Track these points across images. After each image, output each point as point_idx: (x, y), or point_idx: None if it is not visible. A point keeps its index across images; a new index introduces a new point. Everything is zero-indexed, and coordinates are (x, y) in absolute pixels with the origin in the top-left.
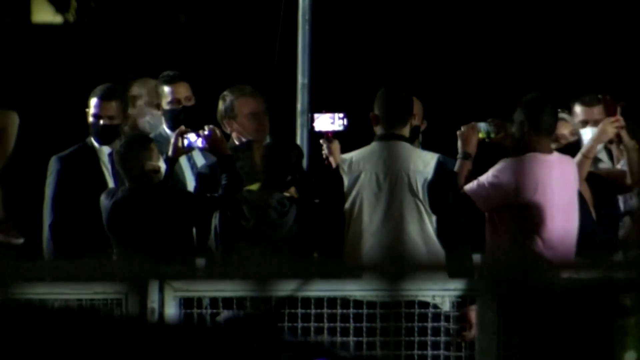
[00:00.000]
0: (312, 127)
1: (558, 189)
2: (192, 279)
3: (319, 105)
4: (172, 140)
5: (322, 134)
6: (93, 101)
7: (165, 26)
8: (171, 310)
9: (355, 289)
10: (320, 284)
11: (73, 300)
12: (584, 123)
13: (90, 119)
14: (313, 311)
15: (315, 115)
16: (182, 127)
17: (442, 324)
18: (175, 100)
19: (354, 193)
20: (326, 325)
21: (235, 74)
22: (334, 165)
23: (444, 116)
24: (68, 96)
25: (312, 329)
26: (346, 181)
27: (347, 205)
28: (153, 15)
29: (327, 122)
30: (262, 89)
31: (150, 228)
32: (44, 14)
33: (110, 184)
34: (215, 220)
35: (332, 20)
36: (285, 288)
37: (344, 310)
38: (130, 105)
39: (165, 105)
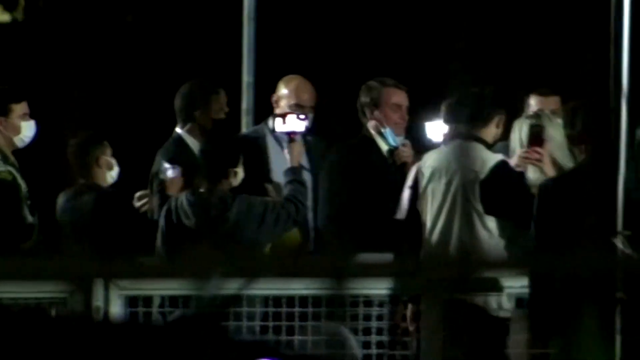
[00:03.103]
0: (273, 129)
1: None
2: (137, 277)
3: (265, 105)
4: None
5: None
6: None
7: (113, 26)
8: (116, 309)
9: (300, 288)
10: (265, 282)
11: (18, 299)
12: None
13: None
14: (258, 309)
15: (277, 116)
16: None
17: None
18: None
19: (426, 192)
20: (271, 323)
21: (181, 72)
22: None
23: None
24: (15, 94)
25: (256, 327)
26: (420, 180)
27: (420, 205)
28: (101, 15)
29: (293, 122)
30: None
31: (97, 228)
32: None
33: None
34: (161, 221)
35: (278, 19)
36: (230, 286)
37: (289, 309)
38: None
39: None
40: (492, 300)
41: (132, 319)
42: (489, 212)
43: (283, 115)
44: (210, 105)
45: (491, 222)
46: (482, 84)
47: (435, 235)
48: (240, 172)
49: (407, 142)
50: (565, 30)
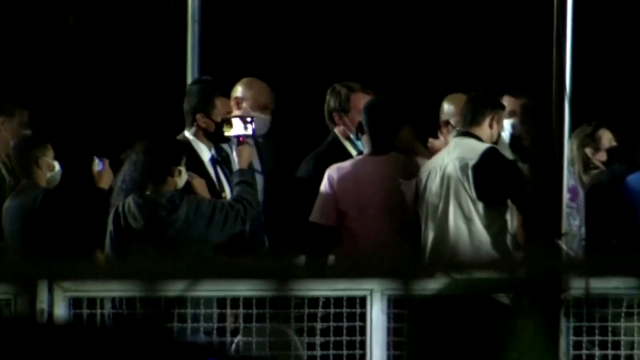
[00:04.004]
0: (222, 132)
1: None
2: (81, 278)
3: None
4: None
5: (235, 138)
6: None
7: (55, 27)
8: (60, 310)
9: (245, 289)
10: (209, 283)
11: None
12: (512, 114)
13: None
14: (203, 311)
15: (224, 120)
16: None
17: (332, 324)
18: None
19: (424, 194)
20: (215, 325)
21: (125, 74)
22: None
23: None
24: (21, 101)
25: (201, 329)
26: (418, 185)
27: (419, 208)
28: (43, 16)
29: (239, 126)
30: (152, 90)
31: (31, 227)
32: None
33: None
34: (110, 225)
35: (222, 21)
36: (175, 288)
37: (234, 310)
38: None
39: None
40: None
41: (76, 320)
42: (481, 197)
43: (229, 120)
44: (214, 108)
45: (483, 210)
46: (475, 87)
47: (431, 231)
48: (184, 171)
49: None
50: (509, 32)
